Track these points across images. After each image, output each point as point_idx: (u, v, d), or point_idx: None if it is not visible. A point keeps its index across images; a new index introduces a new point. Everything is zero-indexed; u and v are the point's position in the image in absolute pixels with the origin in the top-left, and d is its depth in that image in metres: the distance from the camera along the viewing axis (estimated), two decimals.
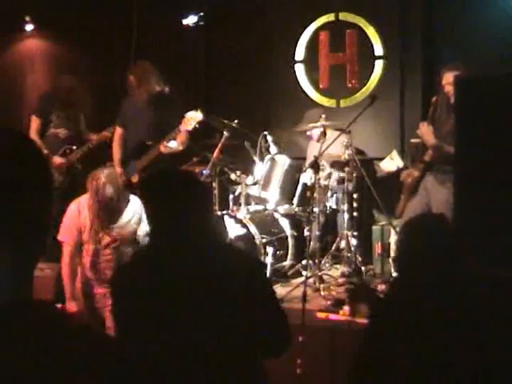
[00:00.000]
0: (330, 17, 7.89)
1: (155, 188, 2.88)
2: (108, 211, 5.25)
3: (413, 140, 6.40)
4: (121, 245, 5.31)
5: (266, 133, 6.80)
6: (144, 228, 5.24)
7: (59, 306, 5.11)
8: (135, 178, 6.58)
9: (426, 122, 6.12)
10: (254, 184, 6.58)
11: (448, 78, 5.91)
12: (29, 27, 8.97)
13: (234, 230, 6.28)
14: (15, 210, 1.44)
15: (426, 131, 6.07)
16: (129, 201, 5.41)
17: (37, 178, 1.50)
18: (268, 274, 5.86)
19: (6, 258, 1.42)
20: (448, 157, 5.55)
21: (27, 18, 8.90)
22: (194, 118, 6.33)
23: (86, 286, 5.35)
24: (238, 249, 4.46)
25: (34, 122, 7.37)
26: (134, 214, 5.35)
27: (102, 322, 5.16)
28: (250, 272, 2.78)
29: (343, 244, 6.50)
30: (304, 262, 6.30)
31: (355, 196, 6.51)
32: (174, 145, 6.49)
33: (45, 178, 1.54)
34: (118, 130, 6.86)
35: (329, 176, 6.50)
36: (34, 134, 7.24)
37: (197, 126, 6.36)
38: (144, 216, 5.15)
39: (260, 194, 6.53)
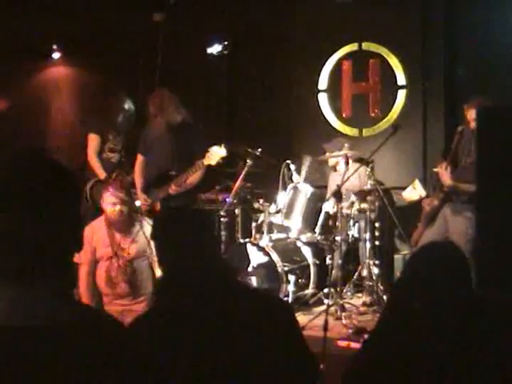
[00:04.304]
0: (353, 46, 7.97)
1: (169, 224, 2.79)
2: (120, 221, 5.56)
3: (435, 169, 6.40)
4: (134, 259, 5.51)
5: (288, 161, 6.82)
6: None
7: None
8: (157, 206, 6.61)
9: (444, 164, 6.14)
10: (277, 212, 6.61)
11: (472, 115, 5.86)
12: (56, 55, 9.15)
13: (256, 258, 6.30)
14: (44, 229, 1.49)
15: (443, 172, 6.12)
16: (141, 222, 5.65)
17: (63, 195, 1.55)
18: (290, 303, 5.81)
19: (42, 283, 1.47)
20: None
21: (54, 46, 9.08)
22: (217, 153, 6.30)
23: (98, 305, 5.50)
24: (259, 291, 4.08)
25: (94, 141, 7.29)
26: (145, 235, 5.48)
27: None
28: (273, 315, 2.67)
29: (365, 273, 6.50)
30: (326, 290, 6.29)
31: (377, 225, 6.52)
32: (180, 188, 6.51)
33: (70, 193, 1.59)
34: (139, 158, 6.86)
35: (351, 205, 6.53)
36: (93, 154, 7.22)
37: (220, 161, 6.34)
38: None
39: (283, 223, 6.56)
